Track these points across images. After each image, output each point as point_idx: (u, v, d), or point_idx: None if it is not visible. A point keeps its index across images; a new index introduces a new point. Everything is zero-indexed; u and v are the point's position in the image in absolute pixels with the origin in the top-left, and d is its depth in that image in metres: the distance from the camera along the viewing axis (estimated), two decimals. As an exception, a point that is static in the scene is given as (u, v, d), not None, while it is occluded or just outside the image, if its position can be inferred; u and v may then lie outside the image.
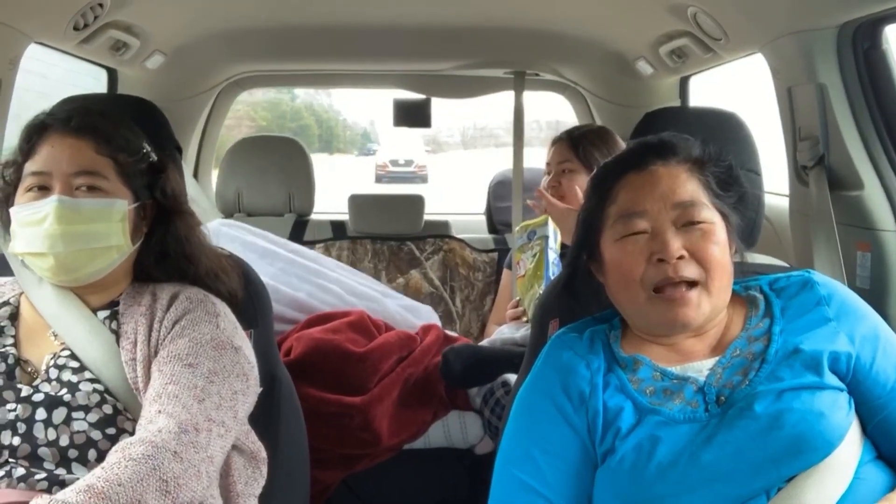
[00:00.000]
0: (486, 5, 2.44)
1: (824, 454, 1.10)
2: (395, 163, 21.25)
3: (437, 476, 2.16)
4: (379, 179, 20.09)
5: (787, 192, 2.05)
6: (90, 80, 2.72)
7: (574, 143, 2.28)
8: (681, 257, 1.18)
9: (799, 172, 1.91)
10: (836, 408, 1.13)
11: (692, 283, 1.19)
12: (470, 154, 25.49)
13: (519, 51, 2.77)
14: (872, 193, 1.76)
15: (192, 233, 1.40)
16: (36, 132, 1.32)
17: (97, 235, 1.29)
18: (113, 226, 1.30)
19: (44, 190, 1.29)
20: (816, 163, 1.83)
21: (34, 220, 1.27)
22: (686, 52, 2.40)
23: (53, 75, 2.59)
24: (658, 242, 1.20)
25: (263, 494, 1.37)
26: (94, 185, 1.29)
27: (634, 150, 1.32)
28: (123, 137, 1.34)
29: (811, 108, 1.81)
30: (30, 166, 1.30)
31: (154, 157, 1.38)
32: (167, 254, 1.38)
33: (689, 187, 1.23)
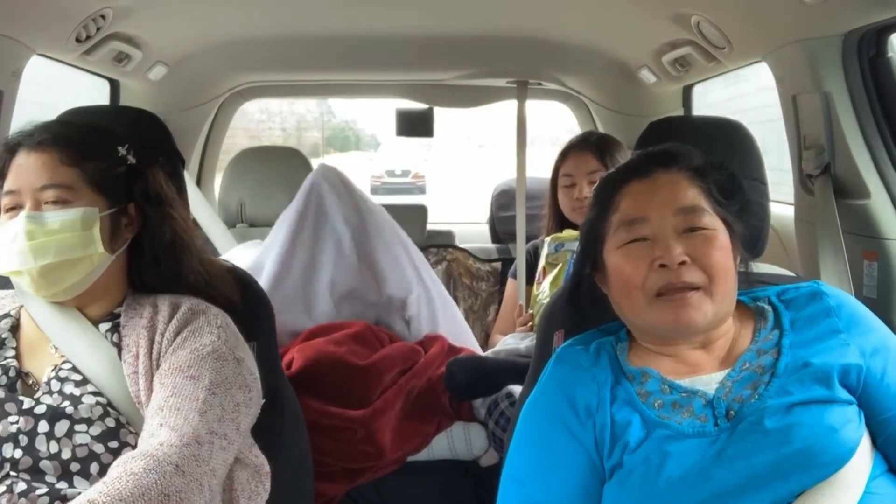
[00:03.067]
0: (489, 15, 2.45)
1: (835, 469, 1.09)
2: (391, 173, 20.27)
3: (442, 488, 2.14)
4: (374, 191, 18.69)
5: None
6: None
7: (599, 152, 2.29)
8: (682, 263, 1.18)
9: (804, 181, 1.90)
10: (847, 421, 1.12)
11: (695, 288, 1.18)
12: (457, 151, 25.78)
13: (521, 60, 2.77)
14: (879, 202, 1.75)
15: (178, 236, 1.38)
16: (7, 152, 1.32)
17: (67, 247, 1.27)
18: (83, 235, 1.28)
19: (18, 208, 1.29)
20: (822, 171, 1.82)
21: (8, 239, 1.27)
22: (689, 61, 2.41)
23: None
24: (660, 248, 1.19)
25: (266, 508, 1.35)
26: (61, 197, 1.28)
27: (636, 160, 1.32)
28: (90, 144, 1.32)
29: (816, 116, 1.80)
30: (4, 187, 1.31)
31: (132, 159, 1.36)
32: (157, 258, 1.37)
33: (691, 194, 1.24)
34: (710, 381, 1.20)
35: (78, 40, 2.07)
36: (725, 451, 1.11)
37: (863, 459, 1.12)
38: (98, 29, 2.08)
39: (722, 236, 1.22)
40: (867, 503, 1.09)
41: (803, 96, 1.84)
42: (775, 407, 1.12)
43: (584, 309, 1.40)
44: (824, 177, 1.81)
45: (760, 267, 1.55)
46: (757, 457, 1.09)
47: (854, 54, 1.74)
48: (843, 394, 1.14)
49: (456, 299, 2.91)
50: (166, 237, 1.37)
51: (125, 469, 1.09)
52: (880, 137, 1.75)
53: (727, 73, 2.45)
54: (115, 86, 2.73)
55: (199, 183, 3.31)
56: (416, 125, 3.17)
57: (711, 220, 1.22)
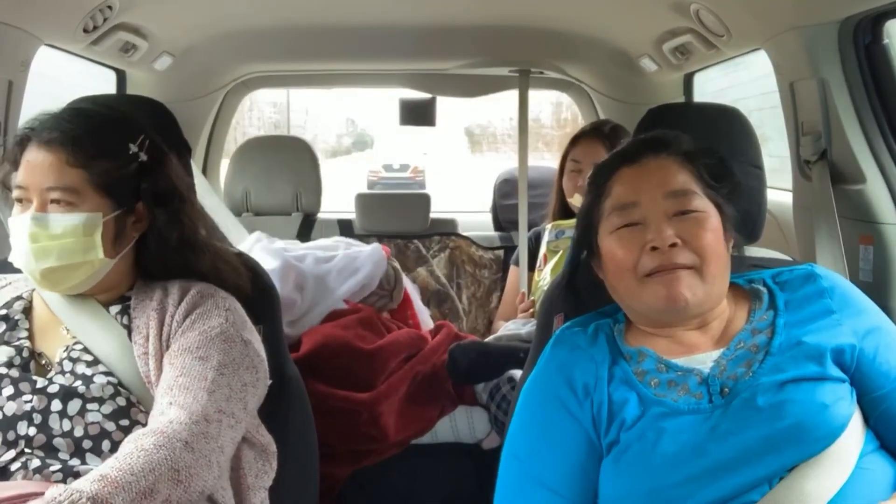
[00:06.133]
0: (491, 4, 2.46)
1: (826, 444, 1.11)
2: (388, 168, 19.78)
3: (445, 471, 2.17)
4: (372, 187, 18.18)
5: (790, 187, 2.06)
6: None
7: (610, 142, 2.33)
8: (674, 245, 1.20)
9: (802, 167, 1.92)
10: (838, 398, 1.14)
11: (687, 267, 1.21)
12: (443, 144, 25.92)
13: (523, 49, 2.78)
14: (874, 187, 1.76)
15: (185, 236, 1.38)
16: (18, 144, 1.32)
17: (68, 252, 1.28)
18: (84, 241, 1.29)
19: (27, 203, 1.30)
20: (819, 157, 1.84)
21: (16, 234, 1.29)
22: (689, 49, 2.42)
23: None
24: (652, 231, 1.22)
25: (273, 487, 1.39)
26: (65, 200, 1.28)
27: (627, 147, 1.35)
28: (101, 143, 1.31)
29: (813, 102, 1.81)
30: (16, 180, 1.31)
31: (144, 157, 1.35)
32: (163, 257, 1.38)
33: (681, 178, 1.26)
34: (705, 359, 1.23)
35: (85, 31, 2.09)
36: (719, 426, 1.14)
37: (854, 436, 1.14)
38: (105, 19, 2.10)
39: (713, 218, 1.24)
40: (858, 478, 1.11)
41: (800, 83, 1.85)
42: (768, 384, 1.15)
43: (582, 294, 1.42)
44: (821, 163, 1.83)
45: (755, 251, 1.58)
46: (750, 432, 1.12)
47: (850, 41, 1.75)
48: (836, 371, 1.16)
49: (459, 287, 2.95)
50: (173, 237, 1.37)
51: (136, 445, 1.11)
52: (876, 123, 1.76)
53: (727, 61, 2.47)
54: (121, 76, 2.75)
55: (204, 172, 3.33)
56: (418, 114, 3.20)
57: (702, 203, 1.25)
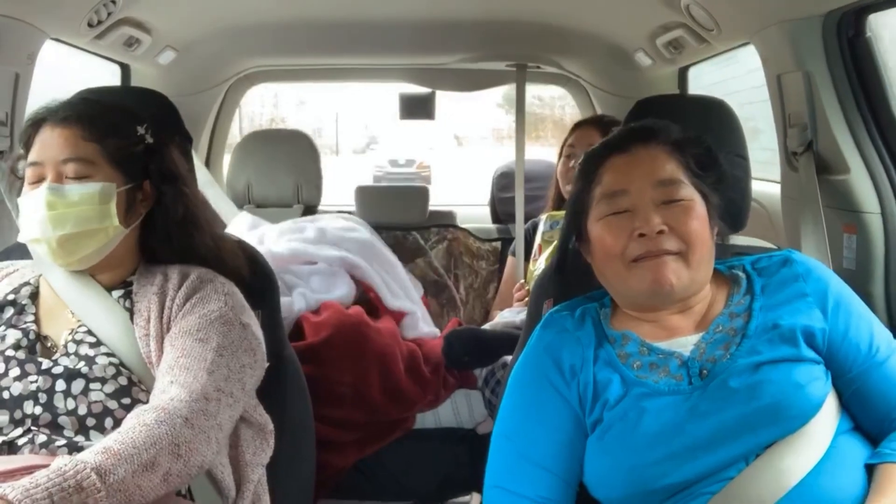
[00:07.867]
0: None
1: (800, 423, 1.15)
2: (394, 163, 19.74)
3: (441, 455, 2.22)
4: (377, 182, 17.88)
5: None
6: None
7: (604, 129, 2.38)
8: (661, 232, 1.23)
9: (789, 158, 1.95)
10: (813, 379, 1.18)
11: (672, 253, 1.24)
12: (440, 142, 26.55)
13: (520, 44, 2.81)
14: (858, 177, 1.79)
15: (190, 212, 1.44)
16: (32, 126, 1.38)
17: (84, 218, 1.33)
18: (100, 209, 1.34)
19: (40, 180, 1.35)
20: (805, 148, 1.86)
21: (30, 209, 1.34)
22: (682, 44, 2.45)
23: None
24: (640, 219, 1.25)
25: (270, 464, 1.43)
26: (81, 171, 1.34)
27: (617, 136, 1.38)
28: (112, 122, 1.38)
29: (799, 95, 1.84)
30: (28, 159, 1.37)
31: (150, 139, 1.42)
32: (169, 233, 1.43)
33: (669, 167, 1.29)
34: (686, 342, 1.27)
35: (90, 25, 2.13)
36: (698, 407, 1.18)
37: (829, 416, 1.19)
38: (109, 14, 2.14)
39: (699, 207, 1.28)
40: (832, 457, 1.16)
41: (787, 76, 1.88)
42: (745, 366, 1.19)
43: (571, 279, 1.46)
44: (807, 154, 1.85)
45: (741, 240, 1.62)
46: (727, 412, 1.16)
47: (834, 35, 1.77)
48: (810, 353, 1.21)
49: (456, 277, 2.99)
50: (178, 213, 1.43)
51: (138, 420, 1.16)
52: (859, 115, 1.79)
53: (719, 55, 2.50)
54: (125, 70, 2.78)
55: (207, 165, 3.36)
56: (418, 108, 3.23)
57: (689, 192, 1.28)
